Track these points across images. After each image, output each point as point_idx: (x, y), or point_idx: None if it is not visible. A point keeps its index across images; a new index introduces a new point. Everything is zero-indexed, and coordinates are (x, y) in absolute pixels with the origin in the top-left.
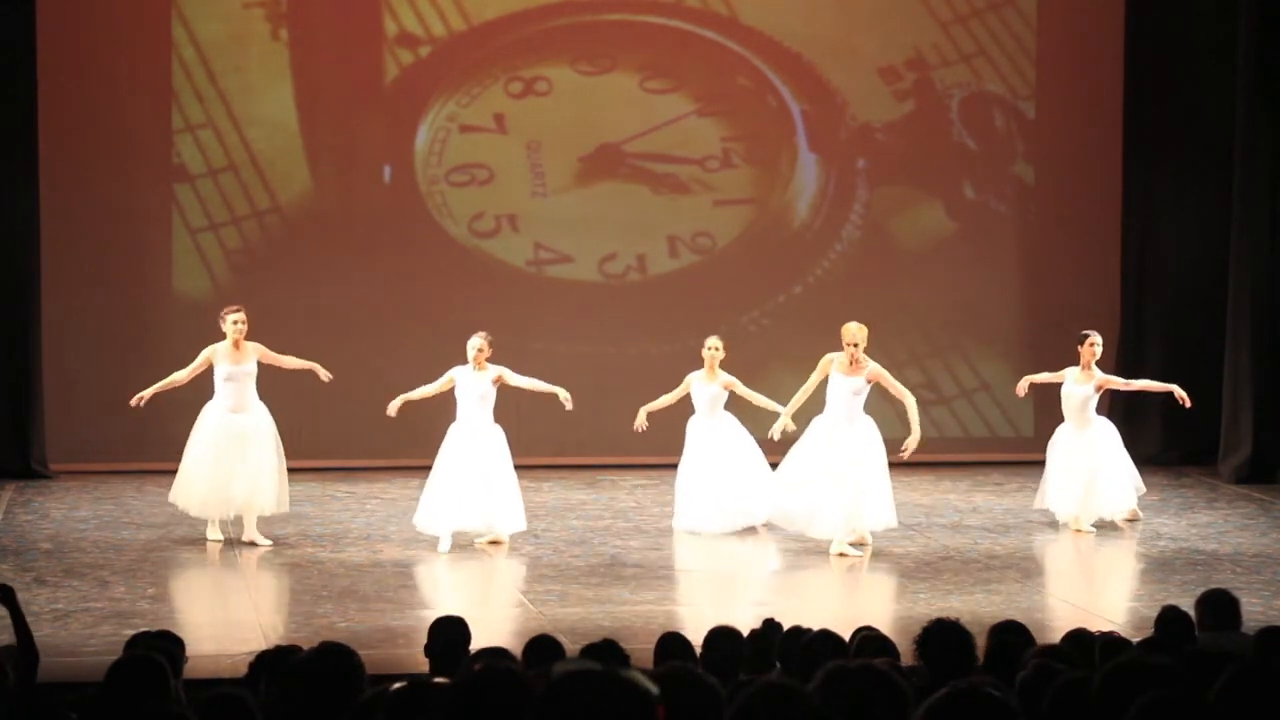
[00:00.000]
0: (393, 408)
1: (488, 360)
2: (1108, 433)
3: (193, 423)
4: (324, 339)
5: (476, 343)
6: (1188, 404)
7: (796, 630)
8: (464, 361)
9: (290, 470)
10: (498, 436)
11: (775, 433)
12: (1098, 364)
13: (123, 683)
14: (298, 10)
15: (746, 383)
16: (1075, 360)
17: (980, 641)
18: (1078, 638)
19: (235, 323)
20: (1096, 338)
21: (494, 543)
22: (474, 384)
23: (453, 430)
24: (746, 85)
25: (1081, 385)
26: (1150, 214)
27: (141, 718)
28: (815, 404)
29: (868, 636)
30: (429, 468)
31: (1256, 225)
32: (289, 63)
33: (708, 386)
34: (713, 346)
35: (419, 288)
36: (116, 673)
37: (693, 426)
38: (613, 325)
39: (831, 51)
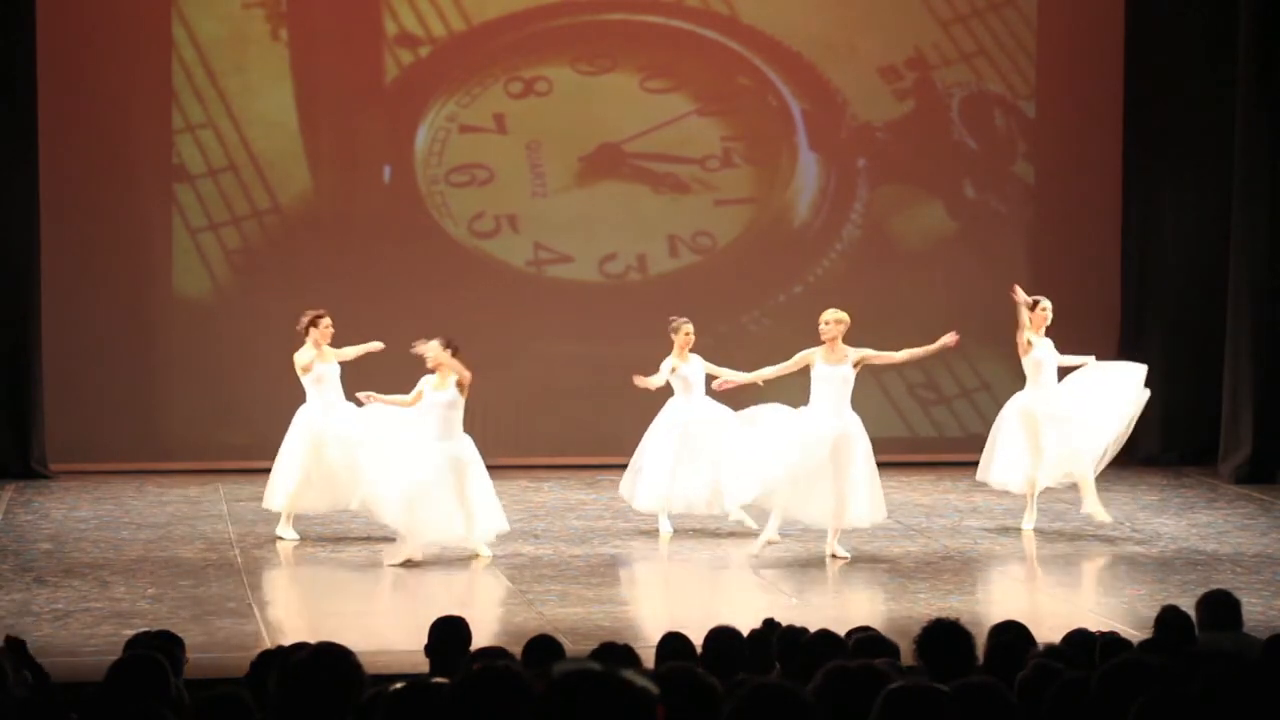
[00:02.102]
0: (363, 396)
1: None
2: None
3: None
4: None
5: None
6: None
7: (796, 630)
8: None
9: None
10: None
11: (725, 380)
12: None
13: (123, 683)
14: (298, 10)
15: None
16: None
17: (980, 641)
18: (1078, 638)
19: (328, 326)
20: (1046, 303)
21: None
22: (439, 394)
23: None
24: (746, 85)
25: (1044, 350)
26: (1150, 214)
27: (137, 718)
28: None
29: (867, 636)
30: None
31: (1256, 225)
32: (289, 63)
33: (684, 368)
34: (686, 331)
35: (419, 288)
36: (116, 673)
37: (670, 407)
38: (613, 325)
39: (831, 51)
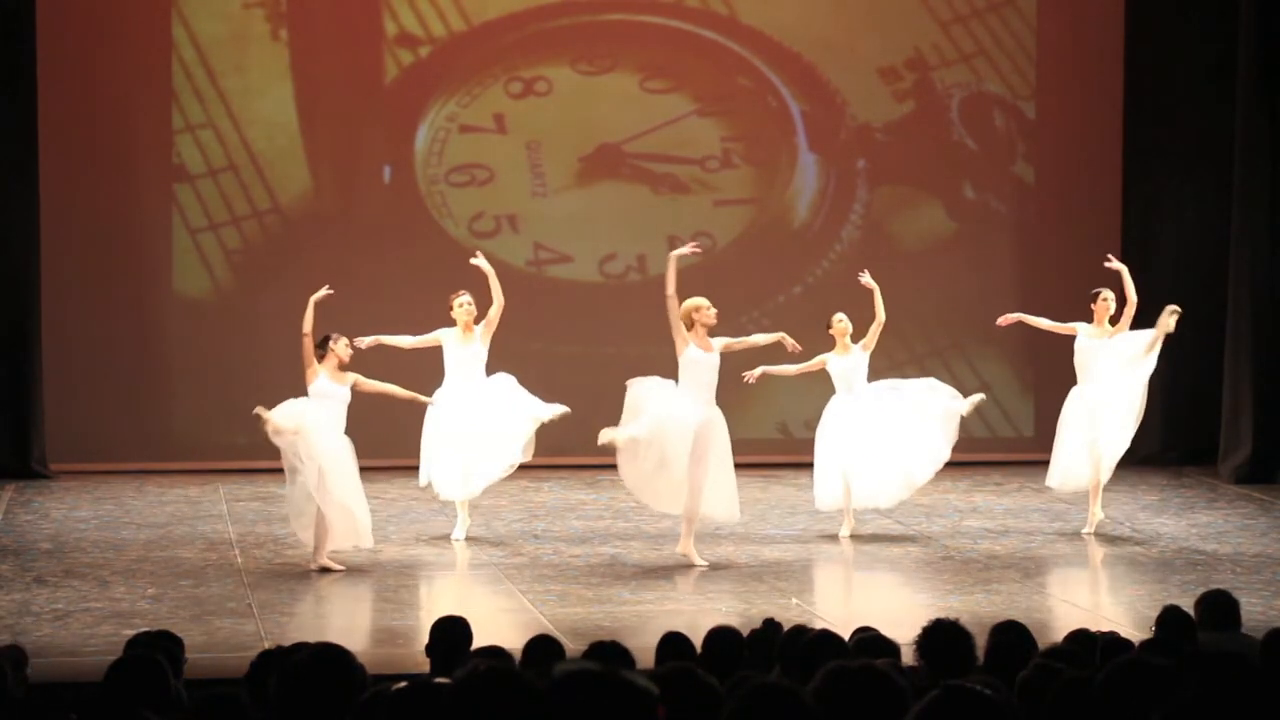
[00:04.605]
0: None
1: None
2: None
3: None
4: None
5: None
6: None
7: (796, 630)
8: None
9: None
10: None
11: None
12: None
13: (123, 683)
14: (298, 10)
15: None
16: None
17: (980, 641)
18: (1080, 638)
19: (462, 305)
20: (1109, 293)
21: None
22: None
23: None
24: (746, 85)
25: (1096, 339)
26: (1150, 214)
27: None
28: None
29: (868, 636)
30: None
31: (1256, 225)
32: (289, 63)
33: (842, 360)
34: (840, 319)
35: (419, 288)
36: (116, 673)
37: (833, 404)
38: (613, 325)
39: (831, 51)
